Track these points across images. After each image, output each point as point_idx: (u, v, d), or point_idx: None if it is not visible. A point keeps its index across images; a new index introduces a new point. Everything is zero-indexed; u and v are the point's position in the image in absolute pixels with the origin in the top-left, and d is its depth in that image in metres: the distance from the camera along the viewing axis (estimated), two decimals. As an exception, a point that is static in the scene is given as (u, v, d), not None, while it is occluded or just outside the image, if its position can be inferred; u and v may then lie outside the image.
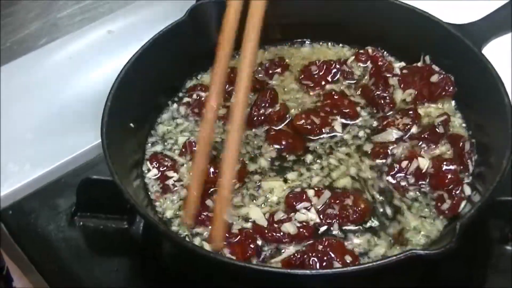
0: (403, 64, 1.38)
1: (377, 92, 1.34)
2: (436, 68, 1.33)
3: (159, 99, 1.35)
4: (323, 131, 1.31)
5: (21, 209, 1.31)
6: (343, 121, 1.32)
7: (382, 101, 1.33)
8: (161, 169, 1.24)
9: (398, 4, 1.37)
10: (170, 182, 1.23)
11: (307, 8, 1.41)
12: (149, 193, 1.23)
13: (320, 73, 1.39)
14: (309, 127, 1.30)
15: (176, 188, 1.23)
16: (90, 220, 1.28)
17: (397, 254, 1.03)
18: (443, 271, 1.20)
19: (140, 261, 1.26)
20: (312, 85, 1.38)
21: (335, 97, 1.33)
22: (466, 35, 1.29)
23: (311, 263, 1.10)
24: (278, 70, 1.42)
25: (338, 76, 1.39)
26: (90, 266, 1.24)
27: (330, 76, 1.38)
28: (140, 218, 1.26)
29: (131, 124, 1.27)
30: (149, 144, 1.30)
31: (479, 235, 1.24)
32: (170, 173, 1.24)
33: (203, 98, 1.34)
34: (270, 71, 1.41)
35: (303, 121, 1.30)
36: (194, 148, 1.25)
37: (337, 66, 1.39)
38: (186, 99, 1.36)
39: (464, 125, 1.30)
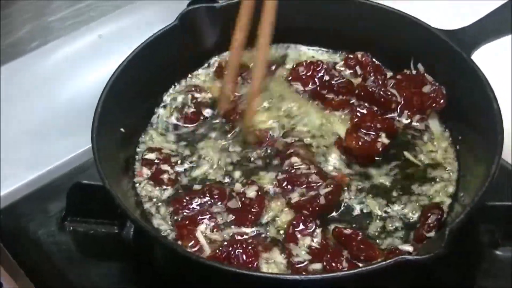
0: (391, 73, 1.39)
1: (379, 90, 1.34)
2: (430, 79, 1.33)
3: (150, 104, 1.36)
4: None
5: (12, 213, 1.31)
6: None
7: (383, 99, 1.33)
8: (153, 169, 1.26)
9: (388, 10, 1.37)
10: (165, 176, 1.24)
11: (296, 12, 1.41)
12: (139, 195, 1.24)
13: (308, 74, 1.39)
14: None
15: (168, 184, 1.25)
16: (80, 224, 1.28)
17: (387, 259, 1.04)
18: (435, 275, 1.20)
19: (131, 265, 1.26)
20: (302, 88, 1.39)
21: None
22: (456, 41, 1.29)
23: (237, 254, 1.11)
24: (273, 67, 1.42)
25: (326, 77, 1.38)
26: (80, 271, 1.24)
27: (317, 77, 1.38)
28: (130, 222, 1.26)
29: (122, 129, 1.27)
30: (140, 149, 1.30)
31: (470, 240, 1.24)
32: (165, 167, 1.25)
33: (199, 100, 1.36)
34: None
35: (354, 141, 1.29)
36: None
37: (324, 66, 1.38)
38: (175, 104, 1.36)
39: (447, 134, 1.32)
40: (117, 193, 1.12)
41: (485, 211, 1.21)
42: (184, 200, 1.21)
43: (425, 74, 1.34)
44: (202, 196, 1.21)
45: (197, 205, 1.20)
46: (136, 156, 1.29)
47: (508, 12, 1.30)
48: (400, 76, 1.36)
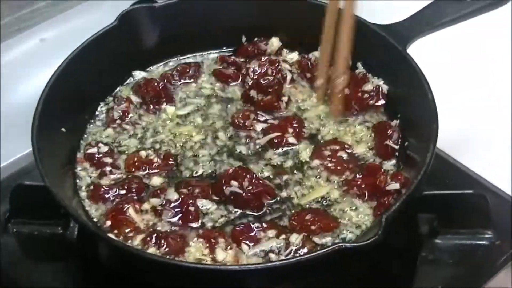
0: None
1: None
2: (371, 77, 1.35)
3: (91, 104, 1.36)
4: None
5: (-45, 217, 1.30)
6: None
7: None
8: (94, 161, 1.27)
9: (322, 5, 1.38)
10: (107, 168, 1.26)
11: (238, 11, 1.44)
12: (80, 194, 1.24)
13: None
14: None
15: (112, 175, 1.26)
16: (24, 226, 1.28)
17: (326, 247, 1.06)
18: (377, 265, 1.22)
19: (76, 265, 1.26)
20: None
21: None
22: (391, 35, 1.32)
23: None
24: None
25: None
26: (25, 272, 1.24)
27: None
28: (74, 222, 1.26)
29: (63, 129, 1.27)
30: (81, 148, 1.31)
31: (410, 229, 1.26)
32: (107, 159, 1.27)
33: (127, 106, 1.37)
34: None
35: None
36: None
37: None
38: (114, 104, 1.37)
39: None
40: (57, 191, 1.12)
41: (424, 200, 1.23)
42: (102, 189, 1.22)
43: (367, 74, 1.36)
44: (120, 188, 1.23)
45: (113, 196, 1.22)
46: (78, 154, 1.30)
47: (441, 6, 1.33)
48: None
